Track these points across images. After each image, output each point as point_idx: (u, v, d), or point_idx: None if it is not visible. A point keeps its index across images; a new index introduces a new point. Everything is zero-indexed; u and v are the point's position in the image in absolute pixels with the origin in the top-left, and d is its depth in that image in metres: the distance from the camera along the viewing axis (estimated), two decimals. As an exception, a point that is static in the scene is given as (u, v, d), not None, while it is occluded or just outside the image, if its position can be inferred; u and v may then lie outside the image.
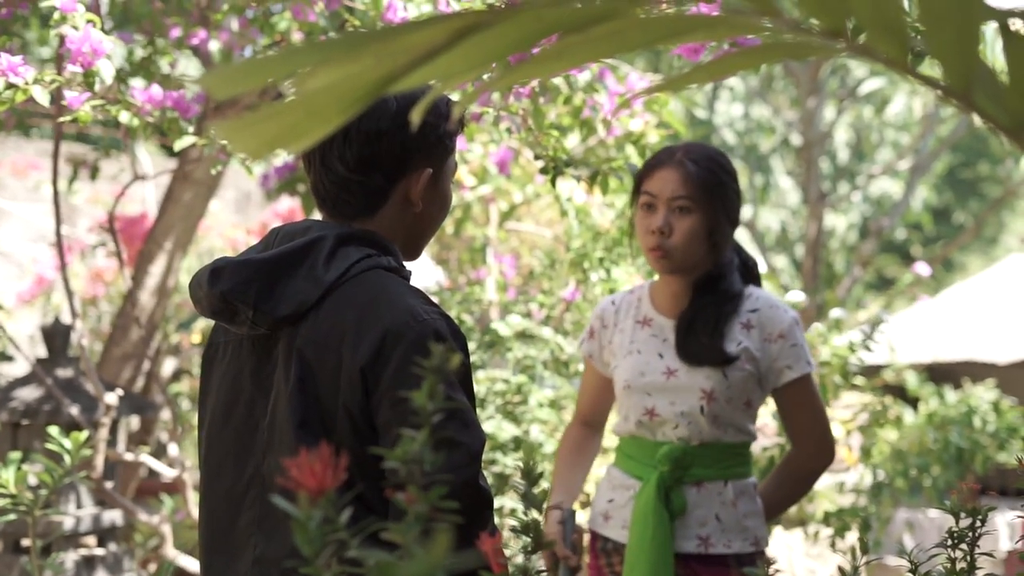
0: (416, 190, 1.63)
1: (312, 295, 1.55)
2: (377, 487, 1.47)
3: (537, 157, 2.41)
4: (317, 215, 1.83)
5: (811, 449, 2.25)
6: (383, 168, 1.61)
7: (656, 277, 2.26)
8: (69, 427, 3.03)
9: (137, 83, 3.46)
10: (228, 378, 1.64)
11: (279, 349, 1.58)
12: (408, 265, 1.70)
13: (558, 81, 2.56)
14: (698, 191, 2.11)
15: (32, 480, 2.80)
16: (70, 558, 3.08)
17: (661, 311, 2.23)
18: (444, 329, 1.53)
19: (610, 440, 3.47)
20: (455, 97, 2.59)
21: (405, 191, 1.64)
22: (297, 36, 2.91)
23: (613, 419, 2.43)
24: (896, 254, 17.51)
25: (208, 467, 1.66)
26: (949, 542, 1.86)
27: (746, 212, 12.88)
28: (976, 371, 7.41)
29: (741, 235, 12.75)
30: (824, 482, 5.12)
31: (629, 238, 2.30)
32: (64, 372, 3.32)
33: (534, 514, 1.30)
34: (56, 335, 3.38)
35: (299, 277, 1.56)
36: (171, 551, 3.37)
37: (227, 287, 1.55)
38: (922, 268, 5.75)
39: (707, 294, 2.17)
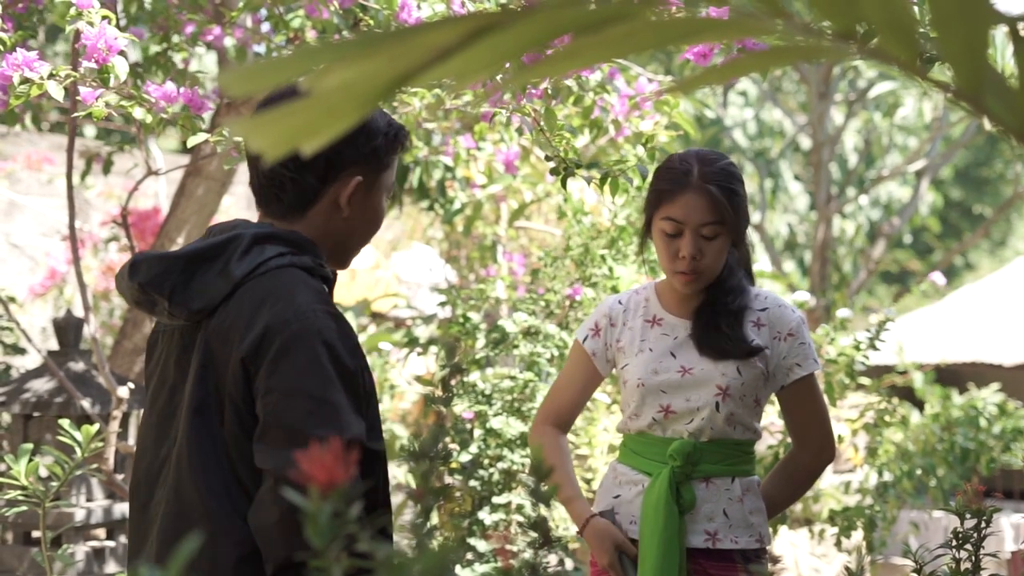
0: (344, 195, 1.71)
1: (223, 290, 1.64)
2: (256, 474, 1.57)
3: (548, 158, 2.42)
4: None
5: (814, 448, 2.28)
6: (314, 168, 1.68)
7: (662, 276, 2.27)
8: (80, 420, 3.05)
9: (151, 79, 3.48)
10: (160, 364, 1.74)
11: (197, 339, 1.67)
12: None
13: (569, 81, 2.58)
14: (725, 214, 2.12)
15: (43, 472, 2.82)
16: (80, 550, 3.10)
17: (671, 311, 2.24)
18: (328, 328, 1.59)
19: (615, 438, 3.47)
20: (467, 97, 2.60)
21: (335, 195, 1.71)
22: (311, 34, 2.92)
23: (616, 417, 2.42)
24: (909, 250, 17.45)
25: (138, 447, 1.77)
26: (954, 543, 1.87)
27: (755, 216, 12.84)
28: (982, 373, 7.39)
29: (750, 238, 12.68)
30: (830, 481, 5.12)
31: (640, 241, 2.30)
32: (76, 365, 3.34)
33: (542, 510, 1.31)
34: (68, 328, 3.39)
35: (213, 272, 1.65)
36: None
37: (144, 279, 1.66)
38: (937, 277, 5.73)
39: (717, 290, 2.19)
